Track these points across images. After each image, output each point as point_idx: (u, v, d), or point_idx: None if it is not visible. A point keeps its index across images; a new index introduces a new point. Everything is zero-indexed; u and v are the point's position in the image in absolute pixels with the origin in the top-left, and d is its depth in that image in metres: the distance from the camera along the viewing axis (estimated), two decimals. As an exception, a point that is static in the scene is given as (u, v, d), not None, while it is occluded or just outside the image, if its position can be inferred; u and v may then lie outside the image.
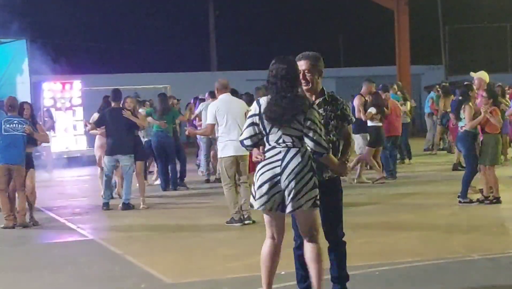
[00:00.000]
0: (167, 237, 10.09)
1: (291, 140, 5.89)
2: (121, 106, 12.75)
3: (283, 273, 7.46)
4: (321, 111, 6.18)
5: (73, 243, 10.24)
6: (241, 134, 6.05)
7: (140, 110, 14.69)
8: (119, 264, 8.49)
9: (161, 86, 24.52)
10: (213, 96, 14.35)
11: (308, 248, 6.07)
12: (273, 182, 5.89)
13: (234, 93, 10.88)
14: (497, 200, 11.50)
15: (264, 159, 5.92)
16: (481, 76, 12.93)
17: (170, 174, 15.15)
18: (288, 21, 42.88)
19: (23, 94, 21.67)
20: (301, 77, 6.12)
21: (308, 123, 5.84)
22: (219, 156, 10.63)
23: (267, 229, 6.07)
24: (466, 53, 36.50)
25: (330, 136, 6.20)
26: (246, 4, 41.63)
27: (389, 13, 28.05)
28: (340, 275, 6.46)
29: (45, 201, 13.57)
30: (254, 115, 5.93)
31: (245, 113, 10.25)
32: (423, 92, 30.73)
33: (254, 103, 6.01)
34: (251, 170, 10.45)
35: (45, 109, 21.13)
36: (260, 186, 5.91)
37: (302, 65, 6.19)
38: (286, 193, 5.89)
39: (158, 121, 14.89)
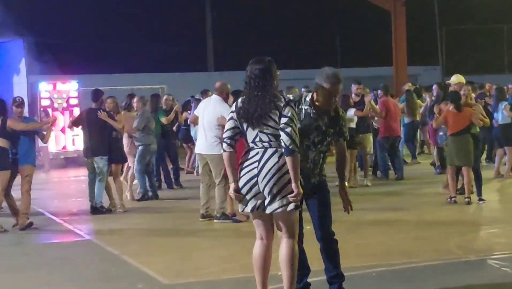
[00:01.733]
0: (163, 238, 10.09)
1: (267, 139, 5.90)
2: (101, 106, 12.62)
3: (279, 274, 7.47)
4: (320, 123, 6.26)
5: (70, 243, 10.24)
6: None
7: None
8: (115, 265, 8.48)
9: (158, 86, 24.51)
10: (205, 94, 14.63)
11: (283, 250, 6.07)
12: (251, 183, 5.92)
13: (237, 94, 10.97)
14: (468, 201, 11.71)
15: (245, 160, 5.96)
16: (459, 80, 13.17)
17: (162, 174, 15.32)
18: (285, 21, 42.88)
19: (20, 94, 21.59)
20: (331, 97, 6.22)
21: (285, 120, 5.84)
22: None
23: (256, 230, 6.13)
24: (462, 54, 36.57)
25: (320, 146, 6.29)
26: (243, 4, 41.64)
27: (386, 14, 28.04)
28: (336, 274, 6.47)
29: (42, 201, 13.57)
30: (232, 112, 6.03)
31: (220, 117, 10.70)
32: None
33: (235, 102, 6.06)
34: None
35: (41, 109, 21.11)
36: (241, 188, 5.96)
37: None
38: (265, 194, 5.92)
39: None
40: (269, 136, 5.89)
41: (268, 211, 5.97)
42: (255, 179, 5.90)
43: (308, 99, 6.32)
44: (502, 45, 37.27)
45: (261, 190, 5.91)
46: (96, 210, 12.25)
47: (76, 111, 21.85)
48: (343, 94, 15.23)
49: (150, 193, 13.82)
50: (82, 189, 15.84)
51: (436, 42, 36.47)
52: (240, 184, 5.96)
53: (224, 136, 6.03)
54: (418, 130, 18.88)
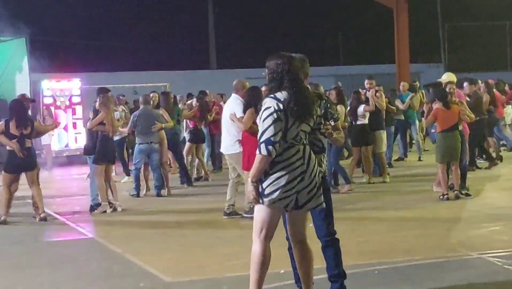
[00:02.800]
0: (166, 236, 10.10)
1: (304, 136, 5.87)
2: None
3: (282, 272, 7.48)
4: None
5: (72, 241, 10.25)
6: (264, 132, 5.71)
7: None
8: (118, 263, 8.50)
9: (161, 84, 24.53)
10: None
11: (306, 248, 6.05)
12: (299, 180, 5.78)
13: (255, 90, 11.08)
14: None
15: (282, 159, 5.75)
16: (450, 79, 13.21)
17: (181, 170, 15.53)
18: (287, 18, 42.90)
19: (23, 92, 21.66)
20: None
21: (318, 118, 5.99)
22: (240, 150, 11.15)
23: (265, 231, 5.89)
24: (465, 51, 36.54)
25: (317, 135, 6.30)
26: (245, 2, 41.63)
27: (389, 11, 28.03)
28: (338, 273, 6.48)
29: (45, 199, 13.56)
30: (279, 110, 5.70)
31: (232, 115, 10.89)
32: (423, 90, 30.73)
33: (270, 100, 5.75)
34: (244, 168, 10.71)
35: (44, 107, 21.14)
36: (284, 185, 5.73)
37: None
38: (308, 190, 5.85)
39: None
40: (306, 133, 5.88)
41: (309, 207, 5.90)
42: (303, 175, 5.80)
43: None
44: (505, 42, 37.24)
45: (306, 186, 5.81)
46: (91, 208, 12.36)
47: (79, 109, 21.90)
48: (354, 90, 15.24)
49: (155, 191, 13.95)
50: (85, 187, 15.84)
51: (439, 39, 36.45)
52: (284, 181, 5.72)
53: (274, 140, 5.66)
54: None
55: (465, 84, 15.96)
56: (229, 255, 8.59)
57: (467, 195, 12.16)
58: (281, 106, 5.71)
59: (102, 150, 12.36)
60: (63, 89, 21.99)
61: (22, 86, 21.98)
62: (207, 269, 7.96)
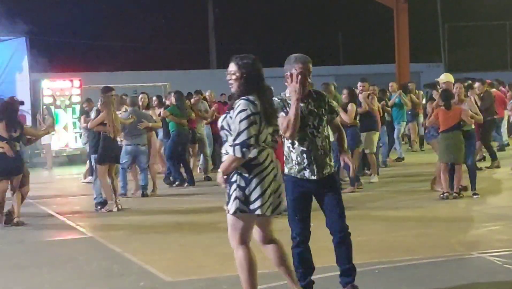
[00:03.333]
0: (166, 235, 10.10)
1: (270, 139, 5.89)
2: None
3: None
4: (310, 106, 6.29)
5: (72, 240, 10.25)
6: (240, 135, 5.66)
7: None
8: (118, 262, 8.49)
9: (161, 84, 24.53)
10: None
11: (279, 244, 6.08)
12: (273, 184, 5.82)
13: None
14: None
15: (259, 162, 5.75)
16: (447, 79, 13.21)
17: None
18: (287, 18, 42.88)
19: (23, 92, 21.69)
20: (298, 79, 6.11)
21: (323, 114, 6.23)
22: None
23: (245, 236, 5.92)
24: (465, 51, 36.54)
25: (325, 132, 6.32)
26: (245, 2, 41.63)
27: (389, 11, 28.04)
28: (350, 267, 6.50)
29: (45, 198, 13.58)
30: (255, 114, 5.71)
31: None
32: (422, 90, 30.75)
33: (245, 102, 5.70)
34: None
35: (44, 106, 21.14)
36: (265, 191, 5.75)
37: (300, 67, 6.19)
38: (279, 194, 5.89)
39: (179, 118, 15.07)
40: (271, 136, 5.89)
41: (279, 211, 5.95)
42: (275, 179, 5.83)
43: (286, 91, 6.32)
44: (505, 41, 37.23)
45: (276, 190, 5.84)
46: (95, 206, 12.39)
47: (79, 109, 21.90)
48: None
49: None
50: (85, 187, 15.87)
51: (439, 39, 36.46)
52: (264, 187, 5.74)
53: (250, 142, 5.64)
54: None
55: (477, 84, 15.96)
56: (229, 254, 8.55)
57: (475, 194, 12.08)
58: (255, 109, 5.71)
59: (104, 150, 12.37)
60: (63, 89, 21.99)
61: (22, 86, 21.99)
62: (207, 268, 7.95)
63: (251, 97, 5.74)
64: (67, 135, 21.91)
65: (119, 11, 39.36)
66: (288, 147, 6.31)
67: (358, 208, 11.51)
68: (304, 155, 6.25)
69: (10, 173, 11.10)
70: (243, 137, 5.64)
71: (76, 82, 22.39)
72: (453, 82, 13.32)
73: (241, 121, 5.66)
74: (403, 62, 27.34)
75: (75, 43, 38.04)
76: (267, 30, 42.15)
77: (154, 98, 16.83)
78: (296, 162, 6.29)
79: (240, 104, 5.72)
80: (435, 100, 13.11)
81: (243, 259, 5.90)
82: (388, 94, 18.67)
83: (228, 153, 5.75)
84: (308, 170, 6.27)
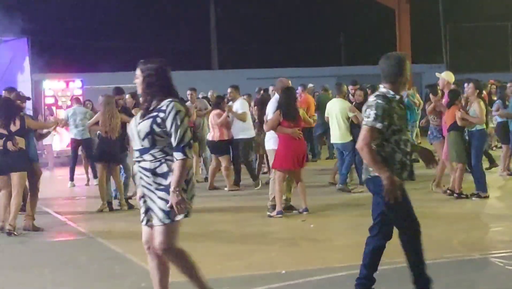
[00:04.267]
0: (167, 236, 10.08)
1: None
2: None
3: (283, 272, 7.48)
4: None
5: (73, 241, 10.25)
6: (185, 136, 5.65)
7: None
8: (119, 263, 8.49)
9: (162, 84, 24.50)
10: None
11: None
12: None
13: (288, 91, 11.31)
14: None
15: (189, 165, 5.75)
16: (444, 76, 13.19)
17: None
18: (289, 19, 42.88)
19: (24, 92, 21.63)
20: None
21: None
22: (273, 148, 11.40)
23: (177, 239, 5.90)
24: (467, 52, 36.49)
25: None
26: (247, 2, 41.63)
27: (390, 11, 28.03)
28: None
29: (46, 199, 13.58)
30: (188, 115, 5.83)
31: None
32: (424, 90, 30.75)
33: (179, 103, 5.75)
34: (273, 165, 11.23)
35: (46, 107, 21.16)
36: (191, 189, 5.83)
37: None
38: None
39: None
40: None
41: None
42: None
43: (389, 93, 6.22)
44: (507, 43, 37.19)
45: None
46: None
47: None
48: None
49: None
50: (86, 188, 15.87)
51: (441, 40, 36.43)
52: (191, 187, 5.82)
53: (191, 142, 5.74)
54: None
55: (510, 83, 15.90)
56: (230, 255, 8.59)
57: (473, 196, 12.08)
58: (185, 110, 5.75)
59: (99, 150, 12.51)
60: (65, 89, 22.00)
61: (23, 86, 21.96)
62: (208, 269, 7.92)
63: (178, 99, 5.76)
64: (68, 135, 21.91)
65: (121, 12, 39.37)
66: (393, 148, 6.18)
67: (359, 208, 11.50)
68: (408, 156, 6.25)
69: (11, 169, 10.46)
70: (187, 137, 5.64)
71: (78, 83, 22.40)
72: (452, 81, 13.24)
73: (181, 122, 5.63)
74: (405, 63, 27.33)
75: (77, 44, 38.05)
76: (269, 31, 42.13)
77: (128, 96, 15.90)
78: (400, 163, 6.23)
79: (172, 105, 5.66)
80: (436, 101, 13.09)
81: (183, 260, 5.98)
82: None
83: (157, 158, 5.66)
84: (406, 172, 6.29)
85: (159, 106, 5.70)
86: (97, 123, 12.48)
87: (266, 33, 42.01)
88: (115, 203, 12.54)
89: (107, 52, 37.46)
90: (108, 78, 25.24)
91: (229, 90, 15.10)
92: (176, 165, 5.60)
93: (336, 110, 13.56)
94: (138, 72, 5.93)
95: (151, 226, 5.86)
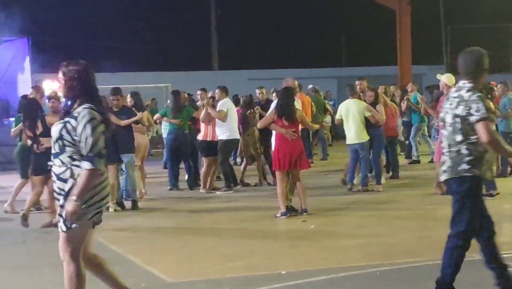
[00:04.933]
0: (167, 236, 10.09)
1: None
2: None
3: (283, 273, 7.47)
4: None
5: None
6: (95, 145, 5.52)
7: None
8: (119, 263, 8.46)
9: (163, 85, 24.54)
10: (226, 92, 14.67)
11: (103, 259, 6.02)
12: (106, 193, 5.78)
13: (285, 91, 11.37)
14: None
15: (102, 172, 5.65)
16: (443, 79, 13.22)
17: (187, 173, 15.26)
18: (290, 20, 42.87)
19: (24, 93, 21.67)
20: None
21: None
22: None
23: (82, 250, 5.74)
24: (467, 54, 36.41)
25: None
26: (248, 3, 41.62)
27: (391, 13, 28.04)
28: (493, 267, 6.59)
29: (46, 200, 13.55)
30: (102, 122, 5.65)
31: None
32: (424, 92, 30.75)
33: (91, 111, 5.57)
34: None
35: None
36: (104, 198, 5.69)
37: None
38: (105, 203, 5.82)
39: (173, 119, 14.85)
40: None
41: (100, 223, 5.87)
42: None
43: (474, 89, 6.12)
44: (508, 44, 37.18)
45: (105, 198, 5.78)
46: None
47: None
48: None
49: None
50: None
51: (441, 41, 36.43)
52: (103, 194, 5.69)
53: (103, 152, 5.62)
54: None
55: (499, 85, 15.89)
56: (230, 256, 8.58)
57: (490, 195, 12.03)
58: (99, 117, 5.59)
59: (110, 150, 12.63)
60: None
61: (24, 86, 21.99)
62: (209, 270, 7.94)
63: (93, 106, 5.60)
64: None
65: (121, 12, 39.39)
66: (485, 148, 6.10)
67: (360, 210, 11.50)
68: (491, 156, 6.20)
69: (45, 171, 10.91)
70: (97, 147, 5.52)
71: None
72: (451, 84, 13.20)
73: (93, 130, 5.50)
74: (405, 64, 27.35)
75: (77, 44, 38.03)
76: (270, 32, 42.12)
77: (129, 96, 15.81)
78: (488, 163, 6.19)
79: (84, 113, 5.54)
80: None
81: (74, 276, 5.77)
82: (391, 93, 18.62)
83: (63, 164, 5.56)
84: (490, 172, 6.27)
85: (73, 112, 5.57)
86: None
87: (267, 34, 42.01)
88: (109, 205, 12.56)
89: (108, 53, 37.46)
90: (109, 79, 25.24)
91: (216, 90, 15.05)
92: (81, 175, 5.48)
93: (353, 110, 13.43)
94: (60, 75, 5.75)
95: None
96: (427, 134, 18.31)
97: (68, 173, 5.55)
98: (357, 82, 14.72)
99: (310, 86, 20.50)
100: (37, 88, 13.42)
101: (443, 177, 6.35)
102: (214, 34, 41.73)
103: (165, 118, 15.23)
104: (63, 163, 5.57)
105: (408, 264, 7.83)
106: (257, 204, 12.55)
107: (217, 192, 14.13)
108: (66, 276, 5.75)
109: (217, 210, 12.13)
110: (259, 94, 15.73)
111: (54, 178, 5.63)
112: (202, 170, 14.60)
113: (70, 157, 5.55)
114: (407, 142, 18.95)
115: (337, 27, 43.22)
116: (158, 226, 10.98)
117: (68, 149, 5.55)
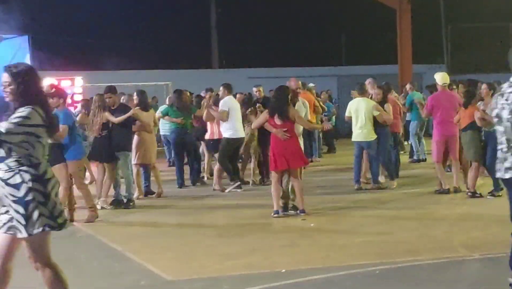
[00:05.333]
0: (167, 234, 10.09)
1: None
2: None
3: (283, 271, 7.47)
4: None
5: (73, 239, 10.24)
6: (9, 131, 5.35)
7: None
8: (119, 261, 8.48)
9: (163, 83, 24.53)
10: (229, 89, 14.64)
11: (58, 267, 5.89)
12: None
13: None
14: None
15: (50, 177, 5.52)
16: (436, 77, 13.28)
17: (190, 170, 15.28)
18: (290, 19, 42.84)
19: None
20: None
21: None
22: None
23: (48, 253, 5.70)
24: (468, 53, 36.45)
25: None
26: (248, 2, 41.62)
27: (392, 11, 28.02)
28: None
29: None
30: (39, 125, 5.47)
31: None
32: (424, 91, 30.73)
33: (31, 111, 5.42)
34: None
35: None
36: (60, 204, 5.63)
37: None
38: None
39: (176, 118, 14.90)
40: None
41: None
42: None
43: None
44: (508, 43, 37.14)
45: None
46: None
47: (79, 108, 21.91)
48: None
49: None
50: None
51: (442, 40, 36.43)
52: (58, 200, 5.61)
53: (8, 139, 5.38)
54: None
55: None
56: (229, 254, 8.58)
57: (490, 195, 12.10)
58: (39, 121, 5.45)
59: (92, 149, 12.94)
60: (65, 87, 21.98)
61: (24, 84, 22.00)
62: (208, 268, 7.94)
63: (37, 108, 5.46)
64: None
65: (122, 10, 39.37)
66: None
67: (359, 209, 11.50)
68: None
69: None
70: (8, 135, 5.31)
71: (79, 81, 22.39)
72: (442, 82, 13.19)
73: (16, 124, 5.35)
74: (406, 63, 27.34)
75: (78, 42, 38.01)
76: (270, 31, 42.09)
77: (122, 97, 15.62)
78: None
79: (23, 109, 5.42)
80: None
81: (56, 278, 5.72)
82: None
83: (10, 168, 5.40)
84: None
85: (18, 110, 5.44)
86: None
87: (267, 32, 41.98)
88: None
89: (108, 50, 37.47)
90: (109, 76, 25.23)
91: (220, 88, 15.04)
92: None
93: (362, 109, 13.52)
94: (4, 78, 5.55)
95: (12, 235, 5.54)
96: (422, 135, 18.37)
97: (18, 178, 5.40)
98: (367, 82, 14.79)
99: (311, 84, 20.46)
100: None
101: (508, 175, 6.12)
102: (214, 32, 41.71)
103: (166, 117, 15.28)
104: (9, 167, 5.42)
105: (408, 263, 7.83)
106: (256, 202, 12.54)
107: (226, 190, 14.07)
108: (47, 283, 5.70)
109: (216, 208, 12.13)
110: (256, 92, 15.77)
111: (1, 182, 5.43)
112: (215, 168, 14.59)
113: (17, 161, 5.41)
114: (406, 142, 18.97)
115: (337, 25, 43.19)
116: (158, 224, 10.98)
117: (14, 152, 5.41)
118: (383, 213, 11.20)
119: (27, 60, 22.31)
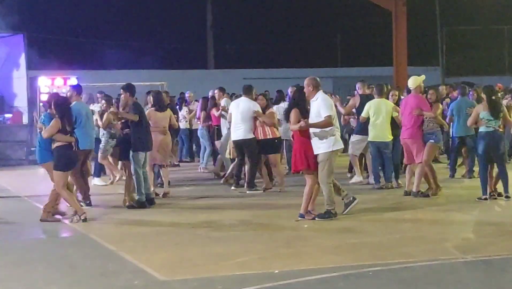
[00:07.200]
0: (161, 234, 10.09)
1: None
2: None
3: (276, 272, 7.48)
4: None
5: (67, 238, 10.24)
6: None
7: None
8: (112, 261, 8.48)
9: (158, 83, 24.50)
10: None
11: None
12: None
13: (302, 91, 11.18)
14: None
15: None
16: (409, 81, 13.35)
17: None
18: (285, 20, 42.91)
19: (19, 89, 21.66)
20: None
21: None
22: (332, 149, 10.52)
23: None
24: (463, 55, 36.57)
25: None
26: (243, 2, 41.66)
27: (387, 13, 28.07)
28: None
29: (40, 196, 13.54)
30: None
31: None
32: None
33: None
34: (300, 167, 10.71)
35: (41, 104, 21.10)
36: None
37: None
38: None
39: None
40: None
41: None
42: None
43: None
44: (503, 46, 37.27)
45: None
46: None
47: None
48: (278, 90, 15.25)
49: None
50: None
51: (437, 43, 36.50)
52: None
53: None
54: None
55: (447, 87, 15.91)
56: (224, 254, 8.58)
57: (506, 197, 12.10)
58: None
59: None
60: (60, 86, 21.95)
61: (19, 83, 21.95)
62: (202, 268, 7.95)
63: None
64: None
65: (117, 10, 39.37)
66: None
67: (354, 210, 11.50)
68: None
69: (74, 164, 11.24)
70: None
71: (73, 80, 22.35)
72: (414, 86, 13.14)
73: None
74: (401, 65, 27.38)
75: (73, 41, 38.02)
76: (265, 31, 42.16)
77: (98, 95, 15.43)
78: None
79: None
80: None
81: None
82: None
83: None
84: None
85: None
86: None
87: (263, 33, 42.04)
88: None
89: (103, 50, 37.46)
90: (104, 76, 25.25)
91: (216, 91, 15.02)
92: None
93: (382, 110, 13.64)
94: None
95: None
96: None
97: None
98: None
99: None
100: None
101: None
102: (209, 33, 41.75)
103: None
104: None
105: (401, 264, 7.85)
106: (251, 203, 12.55)
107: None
108: None
109: (211, 209, 12.12)
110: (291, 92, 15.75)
111: None
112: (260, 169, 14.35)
113: None
114: None
115: (333, 27, 43.28)
116: (152, 224, 10.97)
117: None
118: (376, 215, 11.21)
119: (22, 59, 22.27)
